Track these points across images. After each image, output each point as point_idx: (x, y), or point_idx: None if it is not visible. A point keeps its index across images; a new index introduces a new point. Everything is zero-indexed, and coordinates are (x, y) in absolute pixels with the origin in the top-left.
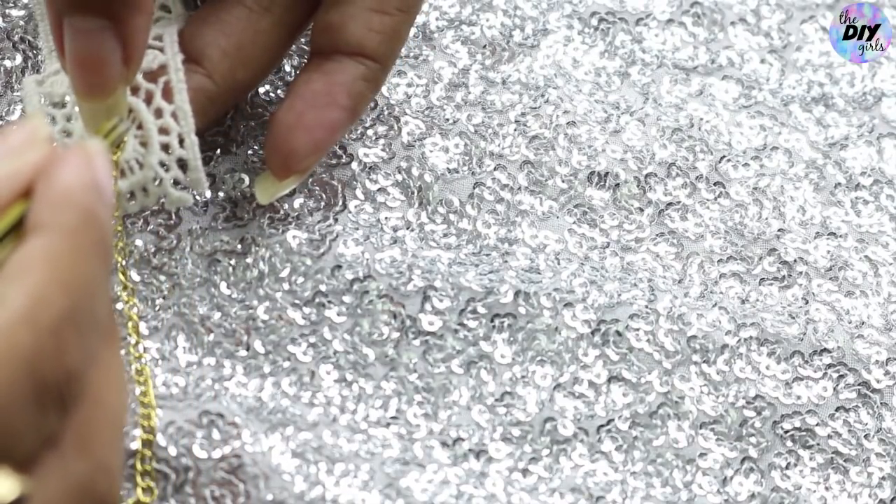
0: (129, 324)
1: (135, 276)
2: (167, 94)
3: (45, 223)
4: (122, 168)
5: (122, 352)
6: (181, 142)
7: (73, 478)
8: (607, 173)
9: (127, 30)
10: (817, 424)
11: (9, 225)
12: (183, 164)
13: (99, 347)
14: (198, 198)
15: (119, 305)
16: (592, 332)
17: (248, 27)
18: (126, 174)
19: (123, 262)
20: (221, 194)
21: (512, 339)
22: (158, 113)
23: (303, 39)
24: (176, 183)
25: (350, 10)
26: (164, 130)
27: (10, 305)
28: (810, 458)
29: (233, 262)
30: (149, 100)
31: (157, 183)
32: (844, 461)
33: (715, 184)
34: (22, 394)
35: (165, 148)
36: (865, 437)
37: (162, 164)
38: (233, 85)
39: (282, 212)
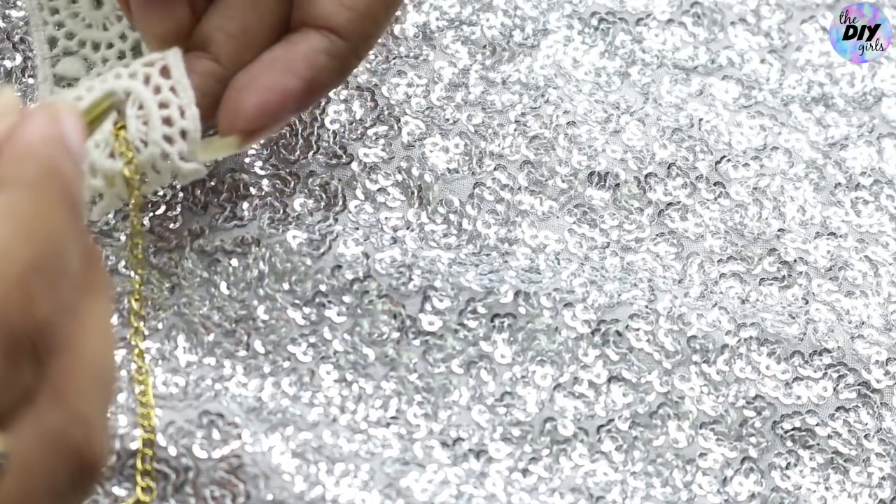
0: (132, 317)
1: (134, 277)
2: (164, 72)
3: (6, 178)
4: (129, 148)
5: (123, 351)
6: (182, 114)
7: (46, 429)
8: (607, 173)
9: None
10: (817, 424)
11: None
12: (187, 137)
13: (74, 298)
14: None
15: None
16: (592, 332)
17: (253, 8)
18: (133, 154)
19: (140, 253)
20: (222, 194)
21: (512, 339)
22: (157, 90)
23: None
24: (184, 158)
25: None
26: (163, 105)
27: None
28: (810, 458)
29: (233, 262)
30: (146, 80)
31: (166, 160)
32: (844, 461)
33: (715, 184)
34: None
35: (167, 121)
36: (865, 437)
37: (167, 139)
38: (240, 67)
39: (282, 212)
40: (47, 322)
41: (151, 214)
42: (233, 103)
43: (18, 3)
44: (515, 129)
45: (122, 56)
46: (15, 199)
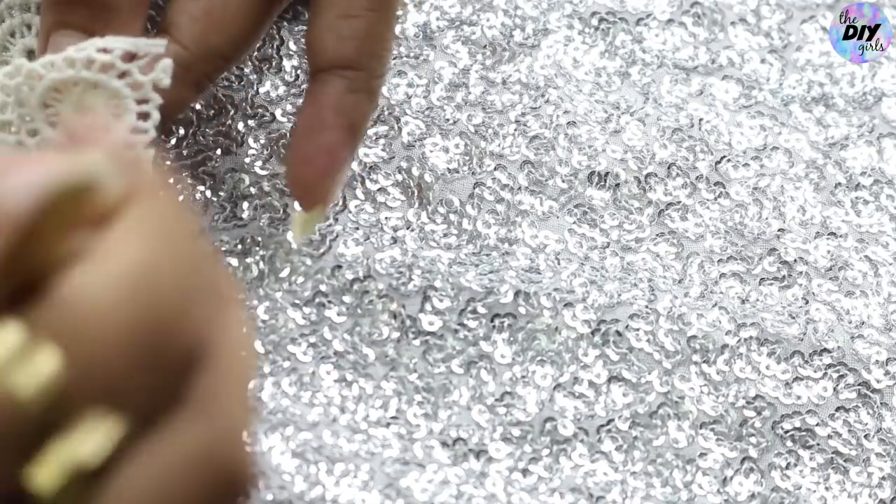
0: None
1: None
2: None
3: (134, 195)
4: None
5: None
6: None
7: (190, 445)
8: (607, 173)
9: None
10: (817, 424)
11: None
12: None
13: (216, 309)
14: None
15: None
16: (592, 332)
17: None
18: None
19: None
20: (222, 194)
21: (512, 339)
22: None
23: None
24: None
25: (319, 23)
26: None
27: (123, 269)
28: (810, 458)
29: (233, 262)
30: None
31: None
32: (844, 461)
33: (715, 184)
34: (139, 356)
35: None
36: (865, 437)
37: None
38: (206, 50)
39: (282, 212)
40: (196, 333)
41: None
42: (298, 181)
43: None
44: (515, 129)
45: None
46: (149, 212)
